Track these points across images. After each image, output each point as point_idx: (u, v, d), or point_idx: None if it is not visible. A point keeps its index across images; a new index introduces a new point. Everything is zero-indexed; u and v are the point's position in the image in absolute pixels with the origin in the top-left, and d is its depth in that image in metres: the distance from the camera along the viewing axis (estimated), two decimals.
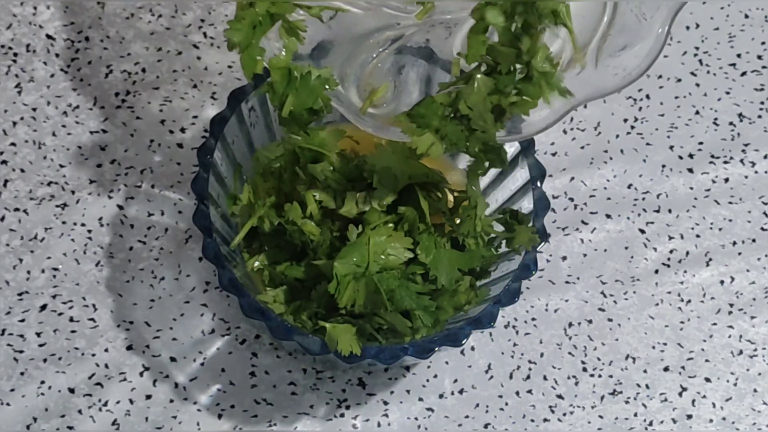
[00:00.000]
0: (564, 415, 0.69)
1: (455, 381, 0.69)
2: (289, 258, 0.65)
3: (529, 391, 0.69)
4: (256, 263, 0.66)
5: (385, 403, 0.69)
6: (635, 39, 0.56)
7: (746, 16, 0.80)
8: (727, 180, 0.75)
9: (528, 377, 0.70)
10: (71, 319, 0.69)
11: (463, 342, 0.62)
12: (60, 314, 0.69)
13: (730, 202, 0.75)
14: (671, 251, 0.73)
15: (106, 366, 0.68)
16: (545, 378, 0.70)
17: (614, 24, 0.57)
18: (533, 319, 0.71)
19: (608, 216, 0.74)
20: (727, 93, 0.78)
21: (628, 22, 0.56)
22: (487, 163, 0.60)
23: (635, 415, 0.69)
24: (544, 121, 0.58)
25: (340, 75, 0.61)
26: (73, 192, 0.72)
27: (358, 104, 0.62)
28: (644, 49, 0.56)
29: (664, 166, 0.75)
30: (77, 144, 0.73)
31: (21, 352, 0.68)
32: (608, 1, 0.57)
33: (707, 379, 0.70)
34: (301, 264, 0.64)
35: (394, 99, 0.62)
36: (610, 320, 0.71)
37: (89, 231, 0.71)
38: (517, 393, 0.69)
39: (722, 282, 0.73)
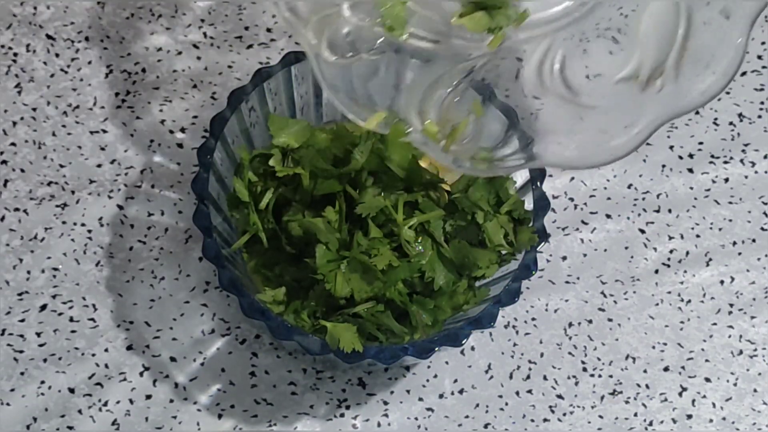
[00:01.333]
0: (564, 415, 0.69)
1: (455, 381, 0.69)
2: (287, 258, 0.65)
3: (529, 391, 0.69)
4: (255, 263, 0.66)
5: (385, 403, 0.69)
6: (714, 51, 0.55)
7: None
8: (727, 180, 0.75)
9: (528, 377, 0.70)
10: (71, 319, 0.69)
11: (463, 342, 0.62)
12: (60, 314, 0.69)
13: (730, 202, 0.75)
14: (671, 251, 0.73)
15: (106, 366, 0.68)
16: (545, 378, 0.70)
17: (690, 36, 0.56)
18: (533, 319, 0.71)
19: (608, 216, 0.74)
20: (727, 93, 0.78)
21: (705, 33, 0.56)
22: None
23: (635, 415, 0.69)
24: (626, 146, 0.58)
25: (419, 111, 0.61)
26: (73, 192, 0.72)
27: (439, 143, 0.62)
28: (724, 61, 0.55)
29: (664, 166, 0.75)
30: (77, 144, 0.73)
31: (21, 352, 0.68)
32: (682, 13, 0.56)
33: (707, 379, 0.70)
34: (299, 265, 0.64)
35: (475, 133, 0.62)
36: (610, 320, 0.71)
37: (89, 231, 0.71)
38: (517, 393, 0.69)
39: (722, 282, 0.73)
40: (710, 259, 0.73)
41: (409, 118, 0.61)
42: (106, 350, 0.69)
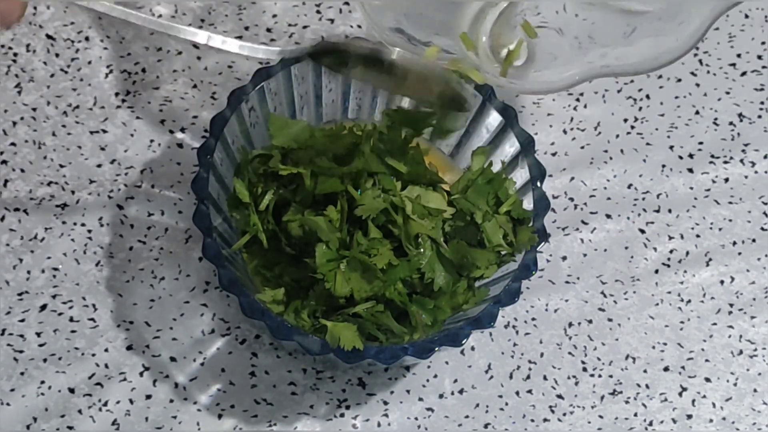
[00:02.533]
0: (564, 415, 0.69)
1: (455, 381, 0.69)
2: (287, 259, 0.65)
3: (529, 391, 0.69)
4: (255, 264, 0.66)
5: (385, 403, 0.69)
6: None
7: (746, 16, 0.80)
8: (727, 180, 0.75)
9: (528, 377, 0.70)
10: (71, 319, 0.69)
11: (463, 342, 0.62)
12: (60, 314, 0.69)
13: (730, 202, 0.75)
14: (671, 251, 0.73)
15: (106, 366, 0.68)
16: (545, 378, 0.70)
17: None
18: (533, 319, 0.71)
19: (608, 216, 0.74)
20: (727, 93, 0.78)
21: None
22: None
23: (635, 415, 0.69)
24: (684, 45, 0.60)
25: (472, 40, 0.61)
26: (73, 192, 0.72)
27: (494, 67, 0.62)
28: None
29: (664, 166, 0.75)
30: (77, 144, 0.73)
31: (21, 352, 0.68)
32: None
33: (707, 379, 0.70)
34: (299, 265, 0.64)
35: (532, 52, 0.62)
36: (610, 320, 0.71)
37: (89, 231, 0.71)
38: (517, 393, 0.69)
39: (722, 282, 0.73)
40: (710, 259, 0.73)
41: (461, 48, 0.61)
42: (106, 350, 0.69)
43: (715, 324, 0.72)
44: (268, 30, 0.77)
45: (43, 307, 0.69)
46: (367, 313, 0.62)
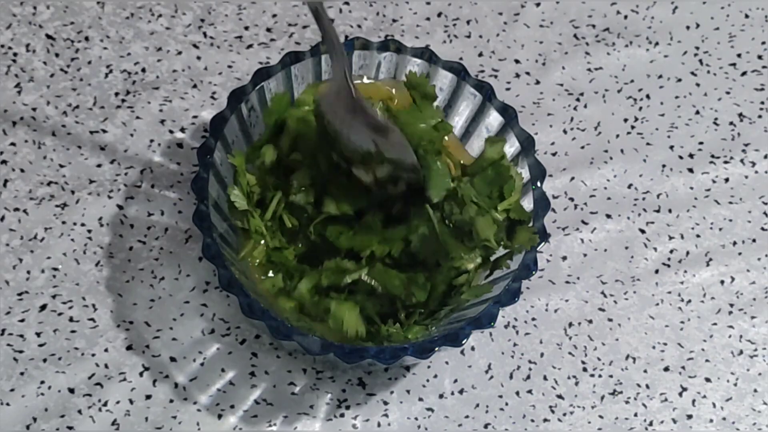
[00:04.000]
0: (564, 415, 0.69)
1: (455, 381, 0.69)
2: (288, 241, 0.66)
3: (529, 391, 0.69)
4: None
5: (385, 403, 0.69)
6: None
7: (746, 16, 0.80)
8: (727, 180, 0.75)
9: (528, 377, 0.70)
10: (71, 319, 0.69)
11: (463, 342, 0.62)
12: (60, 314, 0.69)
13: (730, 202, 0.75)
14: (671, 251, 0.73)
15: (106, 366, 0.68)
16: (545, 378, 0.70)
17: None
18: (533, 319, 0.71)
19: (608, 216, 0.74)
20: (727, 93, 0.78)
21: None
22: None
23: (635, 415, 0.69)
24: None
25: None
26: (73, 192, 0.72)
27: None
28: None
29: (664, 166, 0.75)
30: (77, 144, 0.73)
31: (21, 352, 0.68)
32: None
33: (707, 379, 0.70)
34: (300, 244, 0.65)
35: None
36: (610, 320, 0.71)
37: (89, 231, 0.71)
38: (517, 393, 0.69)
39: (722, 282, 0.73)
40: (710, 259, 0.73)
41: None
42: (106, 350, 0.69)
43: (715, 324, 0.72)
44: (268, 30, 0.77)
45: (43, 307, 0.69)
46: (372, 275, 0.63)
